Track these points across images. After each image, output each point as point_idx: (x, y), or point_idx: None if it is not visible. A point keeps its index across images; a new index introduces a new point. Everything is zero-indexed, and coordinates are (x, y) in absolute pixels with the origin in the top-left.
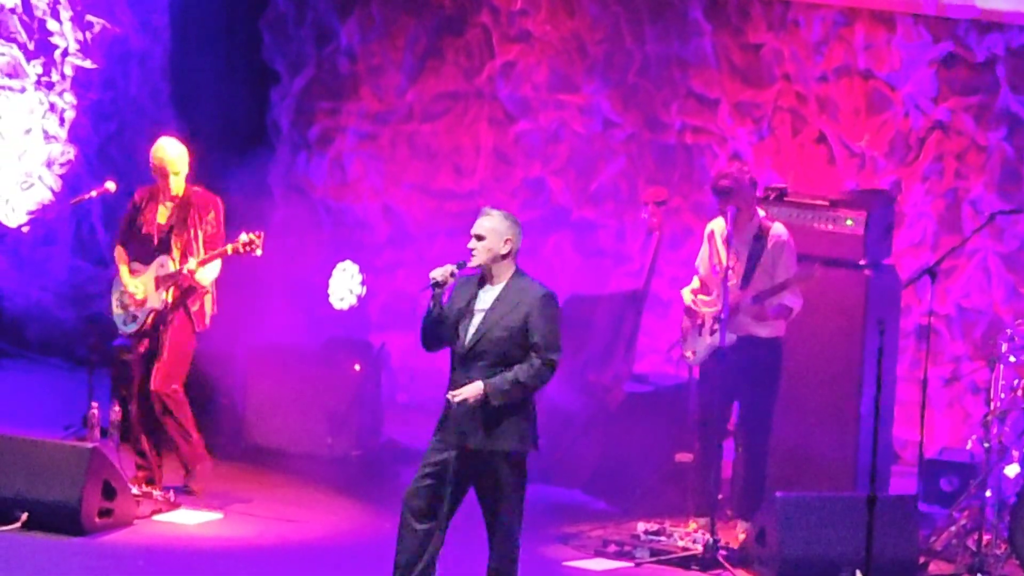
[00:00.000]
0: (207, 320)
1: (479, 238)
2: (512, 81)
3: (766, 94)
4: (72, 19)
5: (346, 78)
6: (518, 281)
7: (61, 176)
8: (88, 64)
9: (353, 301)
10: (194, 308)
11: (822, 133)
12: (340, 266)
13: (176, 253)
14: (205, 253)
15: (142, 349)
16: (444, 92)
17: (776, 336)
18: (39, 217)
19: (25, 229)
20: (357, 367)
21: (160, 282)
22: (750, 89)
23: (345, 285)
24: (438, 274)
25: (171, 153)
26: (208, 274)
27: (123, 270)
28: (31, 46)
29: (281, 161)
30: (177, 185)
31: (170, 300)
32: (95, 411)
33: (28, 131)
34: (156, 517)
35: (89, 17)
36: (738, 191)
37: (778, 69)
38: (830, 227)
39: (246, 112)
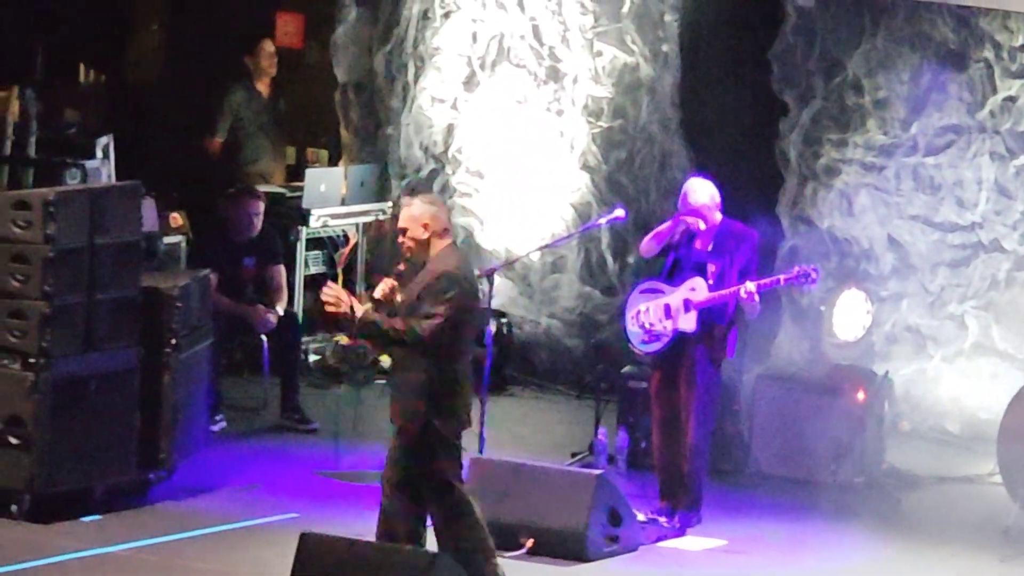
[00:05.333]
0: (730, 351)
1: (403, 232)
2: (1013, 116)
3: None
4: (582, 47)
5: (852, 110)
6: (435, 261)
7: (571, 204)
8: (598, 92)
9: (859, 331)
10: (722, 336)
11: None
12: (846, 296)
13: (709, 280)
14: (737, 283)
15: (662, 373)
16: (947, 126)
17: None
18: (549, 244)
19: (535, 257)
20: (862, 396)
21: (689, 305)
22: None
23: (851, 315)
24: (377, 292)
25: (700, 198)
26: (751, 307)
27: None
28: (541, 73)
29: (789, 191)
30: (712, 221)
31: (696, 327)
32: (602, 438)
33: (542, 158)
34: (661, 544)
35: (599, 45)
36: None
37: None
38: None
39: (754, 142)
